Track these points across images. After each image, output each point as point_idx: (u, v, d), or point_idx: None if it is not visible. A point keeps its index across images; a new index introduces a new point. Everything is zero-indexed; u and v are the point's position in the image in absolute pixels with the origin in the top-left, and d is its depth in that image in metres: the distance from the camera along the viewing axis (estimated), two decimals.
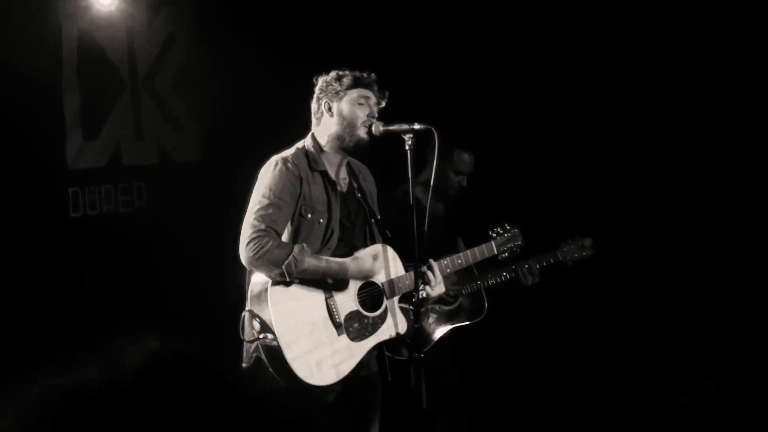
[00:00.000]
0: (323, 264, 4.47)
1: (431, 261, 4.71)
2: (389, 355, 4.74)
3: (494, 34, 6.88)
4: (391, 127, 4.59)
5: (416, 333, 4.60)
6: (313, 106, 4.71)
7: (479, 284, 5.55)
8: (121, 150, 6.38)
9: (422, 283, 4.64)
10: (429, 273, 4.68)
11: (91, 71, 6.12)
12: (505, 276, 5.56)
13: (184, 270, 6.26)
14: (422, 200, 5.38)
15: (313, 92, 4.73)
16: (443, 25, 6.87)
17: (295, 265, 4.38)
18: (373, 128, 4.60)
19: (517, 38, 6.87)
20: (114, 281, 6.05)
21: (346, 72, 4.65)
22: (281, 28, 6.65)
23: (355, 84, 4.62)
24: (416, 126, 4.55)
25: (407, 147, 4.55)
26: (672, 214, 6.68)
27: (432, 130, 4.53)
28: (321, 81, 4.70)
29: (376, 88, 4.65)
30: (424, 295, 4.65)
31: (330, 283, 4.53)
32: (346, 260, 4.52)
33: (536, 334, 6.89)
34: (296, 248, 4.40)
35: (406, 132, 4.56)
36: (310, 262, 4.43)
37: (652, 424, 6.03)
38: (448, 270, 4.88)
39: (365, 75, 4.64)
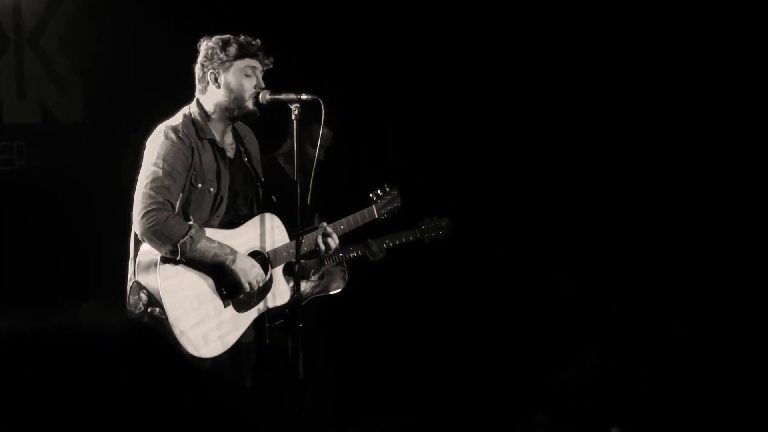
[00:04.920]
0: (215, 247, 4.44)
1: (325, 225, 4.75)
2: (268, 325, 4.74)
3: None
4: (278, 96, 4.56)
5: (296, 303, 4.64)
6: (197, 72, 4.61)
7: (341, 256, 5.54)
8: (2, 108, 6.27)
9: (324, 247, 4.72)
10: (330, 239, 4.75)
11: None
12: (353, 254, 5.56)
13: (62, 232, 6.16)
14: (287, 171, 5.41)
15: (196, 57, 4.62)
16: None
17: (190, 245, 4.35)
18: (260, 97, 4.55)
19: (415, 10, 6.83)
20: None
21: (231, 39, 4.54)
22: None
23: (242, 54, 4.52)
24: (303, 96, 4.54)
25: (293, 117, 4.54)
26: (554, 194, 6.69)
27: (319, 101, 4.52)
28: (205, 47, 4.58)
29: (261, 55, 4.57)
30: (324, 254, 4.81)
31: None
32: (238, 252, 4.50)
33: (407, 305, 6.89)
34: (194, 228, 4.38)
35: (293, 102, 4.55)
36: (204, 244, 4.41)
37: (525, 401, 6.03)
38: (343, 229, 4.90)
39: (252, 42, 4.55)
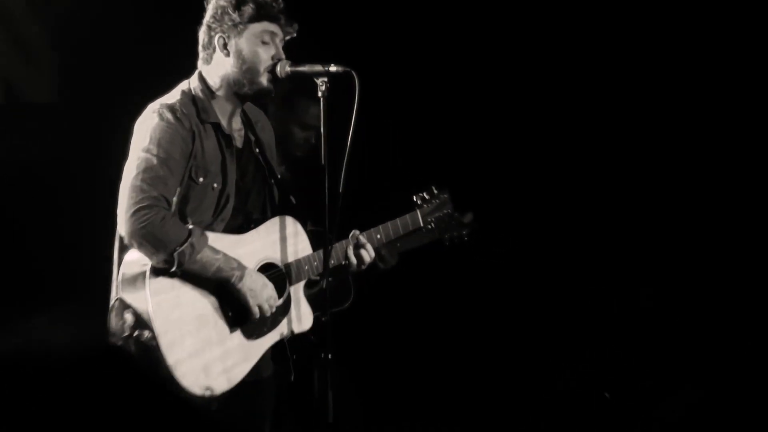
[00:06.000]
0: (219, 260, 4.00)
1: (357, 234, 4.36)
2: (291, 356, 4.35)
3: None
4: (302, 69, 4.14)
5: (325, 329, 4.16)
6: (202, 36, 4.19)
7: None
8: None
9: (357, 261, 4.35)
10: (363, 251, 4.36)
11: None
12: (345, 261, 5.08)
13: (29, 236, 5.75)
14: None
15: (202, 17, 4.21)
16: None
17: (190, 255, 3.92)
18: (278, 69, 4.13)
19: None
20: None
21: None
22: None
23: (259, 16, 4.11)
24: (333, 68, 4.11)
25: (320, 93, 4.12)
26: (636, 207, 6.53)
27: (352, 74, 4.11)
28: (214, 5, 4.17)
29: (283, 20, 4.16)
30: (357, 269, 4.40)
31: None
32: (246, 267, 4.08)
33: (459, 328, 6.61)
34: (195, 234, 3.94)
35: (319, 75, 4.12)
36: (207, 254, 3.97)
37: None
38: (379, 240, 4.47)
39: (273, 3, 4.15)
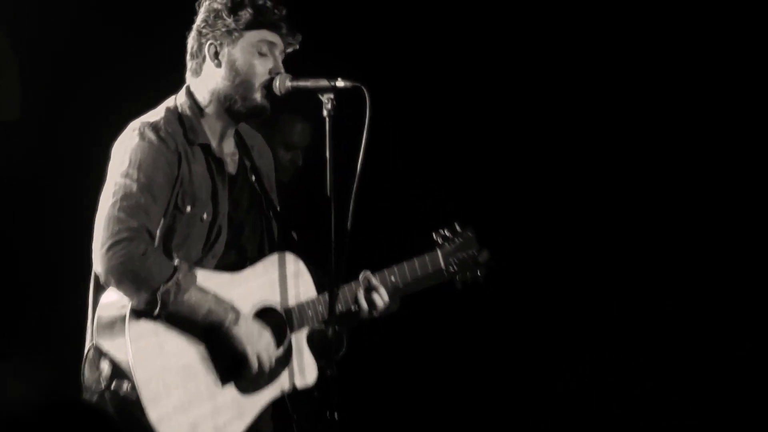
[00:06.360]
0: (209, 301, 3.75)
1: (369, 275, 4.05)
2: (293, 415, 4.04)
3: None
4: (304, 84, 3.87)
5: (330, 384, 3.88)
6: (191, 43, 3.93)
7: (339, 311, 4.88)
8: None
9: (368, 307, 4.04)
10: (375, 296, 4.02)
11: None
12: (354, 308, 4.63)
13: None
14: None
15: (192, 22, 3.95)
16: None
17: (175, 295, 3.66)
18: (277, 84, 3.86)
19: None
20: None
21: (245, 0, 3.89)
22: None
23: (257, 23, 3.85)
24: (340, 83, 3.84)
25: (326, 112, 3.85)
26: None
27: (362, 89, 3.84)
28: (207, 8, 3.90)
29: (285, 29, 3.88)
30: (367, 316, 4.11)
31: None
32: (241, 311, 3.84)
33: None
34: (181, 270, 3.67)
35: (324, 90, 3.85)
36: (195, 294, 3.71)
37: None
38: (394, 283, 4.13)
39: (274, 9, 3.88)
